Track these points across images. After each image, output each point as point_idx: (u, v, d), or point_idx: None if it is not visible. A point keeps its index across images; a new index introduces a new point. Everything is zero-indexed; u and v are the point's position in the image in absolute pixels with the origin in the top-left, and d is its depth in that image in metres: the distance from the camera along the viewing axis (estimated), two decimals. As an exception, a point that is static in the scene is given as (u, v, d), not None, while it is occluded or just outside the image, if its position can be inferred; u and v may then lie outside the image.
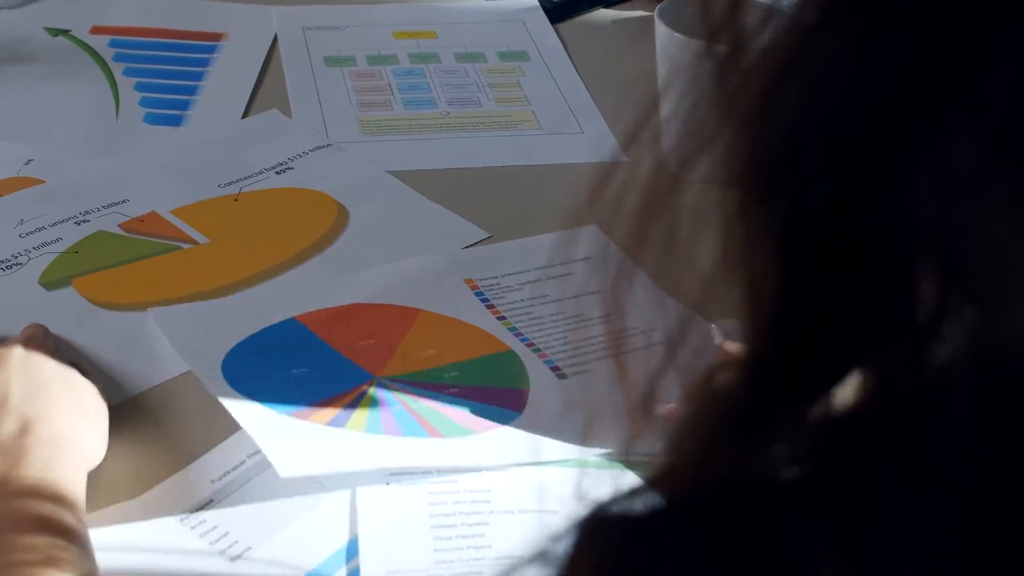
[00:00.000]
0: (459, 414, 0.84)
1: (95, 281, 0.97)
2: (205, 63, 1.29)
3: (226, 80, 1.27)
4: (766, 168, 0.39)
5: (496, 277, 0.97)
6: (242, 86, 1.25)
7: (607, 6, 1.45)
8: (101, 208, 1.05)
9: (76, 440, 0.75)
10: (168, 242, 1.02)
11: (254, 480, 0.79)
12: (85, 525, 0.70)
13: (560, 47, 1.36)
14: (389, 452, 0.80)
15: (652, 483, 0.42)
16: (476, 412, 0.84)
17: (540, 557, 0.43)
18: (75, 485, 0.72)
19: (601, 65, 1.34)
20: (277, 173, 1.11)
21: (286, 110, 1.21)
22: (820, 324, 0.39)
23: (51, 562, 0.66)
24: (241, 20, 1.37)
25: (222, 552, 0.74)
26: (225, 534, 0.75)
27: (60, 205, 1.05)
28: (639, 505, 0.41)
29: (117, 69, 1.27)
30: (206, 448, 0.81)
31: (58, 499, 0.69)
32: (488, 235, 1.04)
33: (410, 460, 0.79)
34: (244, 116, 1.20)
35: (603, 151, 1.17)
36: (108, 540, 0.73)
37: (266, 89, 1.26)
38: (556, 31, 1.40)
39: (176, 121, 1.19)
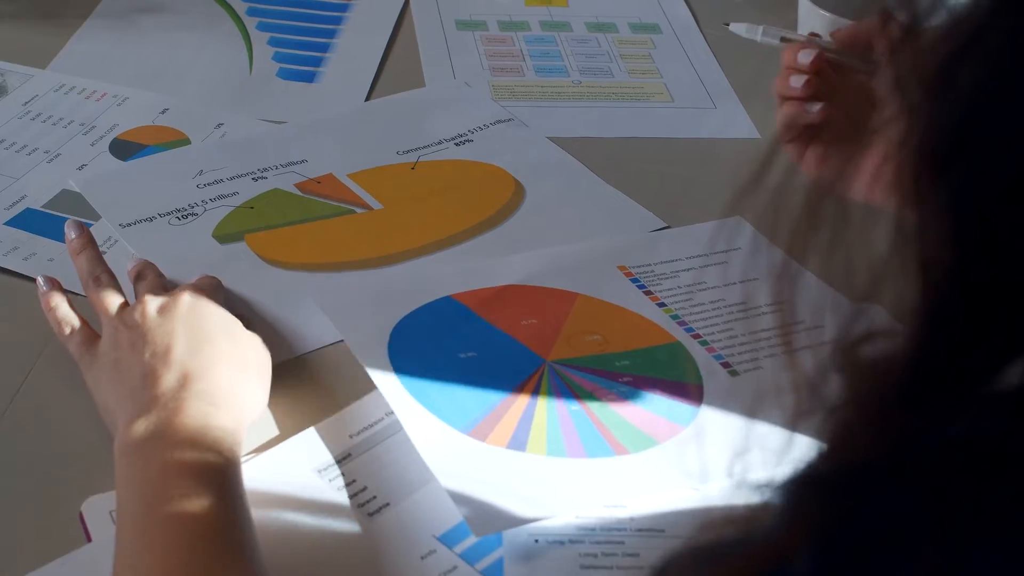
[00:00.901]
0: (638, 414, 0.81)
1: (268, 238, 0.96)
2: (338, 21, 1.30)
3: (358, 39, 1.27)
4: (943, 143, 0.38)
5: (649, 264, 0.96)
6: (374, 46, 1.25)
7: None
8: (279, 166, 1.04)
9: (235, 395, 0.75)
10: (343, 205, 1.01)
11: (391, 438, 0.78)
12: (240, 478, 0.70)
13: (691, 20, 1.35)
14: (577, 488, 0.75)
15: (839, 448, 0.41)
16: (655, 409, 0.82)
17: (731, 520, 0.42)
18: (231, 440, 0.71)
19: (731, 40, 1.32)
20: (456, 144, 1.10)
21: (418, 70, 1.21)
22: (995, 305, 0.38)
23: (204, 514, 0.66)
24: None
25: (361, 506, 0.74)
26: (363, 488, 0.75)
27: (239, 159, 1.05)
28: (841, 468, 0.40)
29: (251, 23, 1.28)
30: (343, 403, 0.81)
31: (213, 453, 0.69)
32: (665, 225, 1.01)
33: (601, 496, 0.75)
34: (376, 76, 1.20)
35: (738, 128, 1.16)
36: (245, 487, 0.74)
37: (398, 49, 1.25)
38: (687, 4, 1.38)
39: (309, 77, 1.19)
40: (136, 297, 0.83)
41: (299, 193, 1.02)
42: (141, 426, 0.70)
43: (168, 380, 0.73)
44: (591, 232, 0.99)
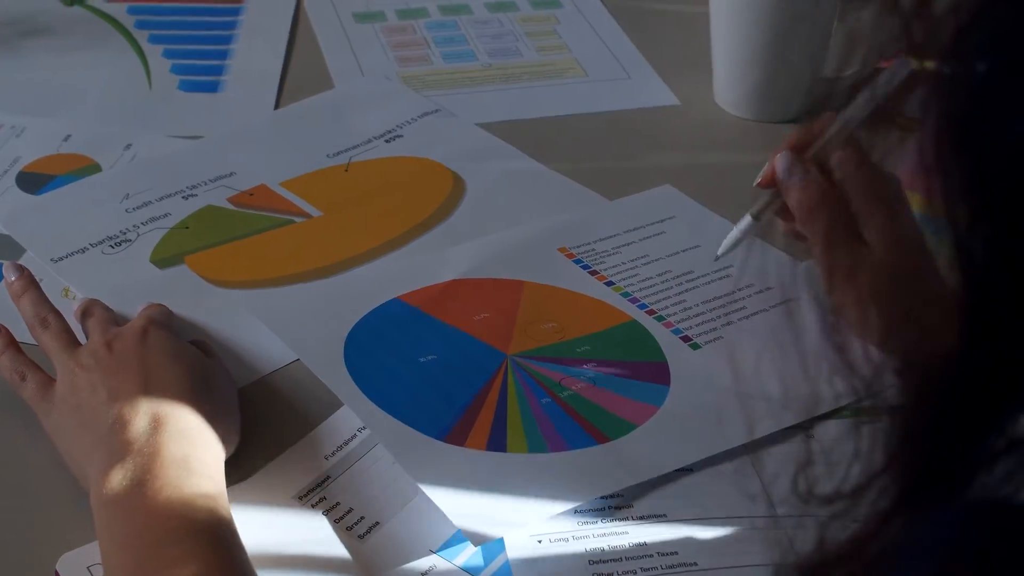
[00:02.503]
0: (611, 400, 0.79)
1: (208, 258, 0.92)
2: (231, 26, 1.25)
3: (256, 43, 1.22)
4: (964, 108, 0.37)
5: (589, 243, 0.94)
6: (274, 48, 1.21)
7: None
8: (207, 182, 1.00)
9: (210, 430, 0.71)
10: (281, 216, 0.97)
11: (368, 454, 0.76)
12: (229, 514, 0.67)
13: (592, -8, 1.33)
14: (568, 482, 0.73)
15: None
16: (626, 392, 0.80)
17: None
18: (213, 475, 0.68)
19: (634, 9, 1.31)
20: (387, 141, 1.07)
21: (323, 69, 1.18)
22: None
23: (192, 560, 0.62)
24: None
25: (349, 529, 0.71)
26: (349, 511, 0.72)
27: (163, 179, 1.00)
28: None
29: (141, 37, 1.23)
30: (313, 424, 0.78)
31: (198, 493, 0.66)
32: (608, 199, 1.00)
33: (593, 488, 0.73)
34: (282, 79, 1.16)
35: (657, 96, 1.15)
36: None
37: (299, 49, 1.22)
38: (584, -23, 1.36)
39: (213, 87, 1.15)
40: (87, 336, 0.79)
41: (233, 208, 0.98)
42: (118, 476, 0.66)
43: (138, 424, 0.69)
44: (539, 217, 0.97)
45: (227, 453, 0.72)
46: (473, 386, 0.80)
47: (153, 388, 0.71)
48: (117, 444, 0.68)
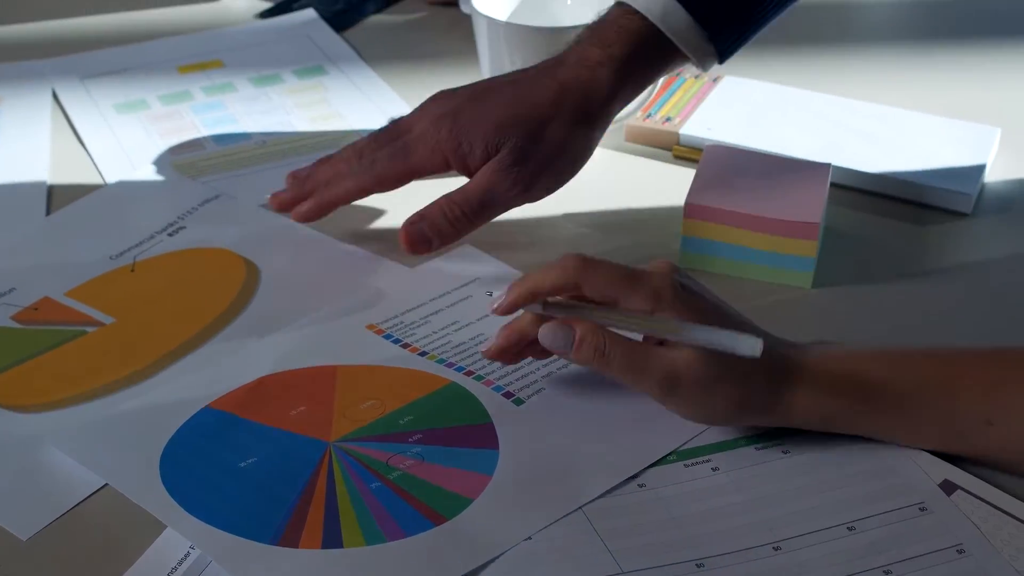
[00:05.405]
0: (441, 474, 0.77)
1: (2, 384, 0.87)
2: (-15, 133, 1.19)
3: (14, 148, 1.16)
4: None
5: (396, 316, 0.92)
6: (35, 151, 1.15)
7: (381, 11, 1.42)
8: None
9: None
10: (71, 328, 0.93)
11: (208, 568, 0.72)
12: None
13: (354, 55, 1.32)
14: (409, 574, 0.71)
15: None
16: (456, 463, 0.78)
17: None
18: None
19: (398, 65, 1.30)
20: (170, 235, 1.03)
21: (90, 167, 1.13)
22: None
23: None
24: (11, 80, 1.27)
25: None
26: (204, 632, 0.69)
27: None
28: None
29: None
30: (142, 547, 0.74)
31: None
32: (408, 267, 0.98)
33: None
34: (50, 183, 1.11)
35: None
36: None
37: (60, 148, 1.16)
38: (344, 40, 1.35)
39: (-25, 199, 1.09)
40: None
41: (19, 326, 0.93)
42: None
43: None
44: (339, 294, 0.95)
45: None
46: (298, 482, 0.77)
47: None
48: None
